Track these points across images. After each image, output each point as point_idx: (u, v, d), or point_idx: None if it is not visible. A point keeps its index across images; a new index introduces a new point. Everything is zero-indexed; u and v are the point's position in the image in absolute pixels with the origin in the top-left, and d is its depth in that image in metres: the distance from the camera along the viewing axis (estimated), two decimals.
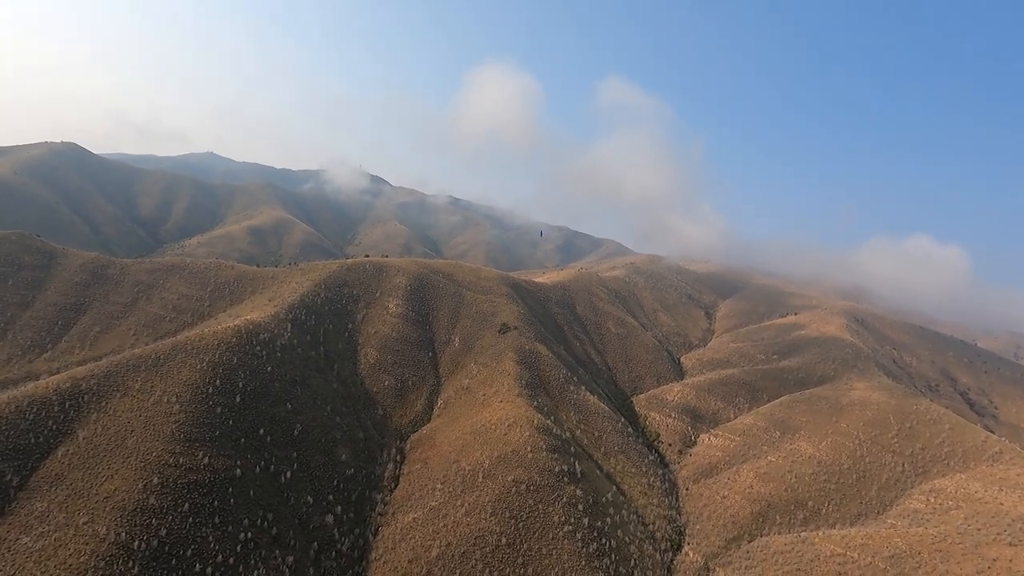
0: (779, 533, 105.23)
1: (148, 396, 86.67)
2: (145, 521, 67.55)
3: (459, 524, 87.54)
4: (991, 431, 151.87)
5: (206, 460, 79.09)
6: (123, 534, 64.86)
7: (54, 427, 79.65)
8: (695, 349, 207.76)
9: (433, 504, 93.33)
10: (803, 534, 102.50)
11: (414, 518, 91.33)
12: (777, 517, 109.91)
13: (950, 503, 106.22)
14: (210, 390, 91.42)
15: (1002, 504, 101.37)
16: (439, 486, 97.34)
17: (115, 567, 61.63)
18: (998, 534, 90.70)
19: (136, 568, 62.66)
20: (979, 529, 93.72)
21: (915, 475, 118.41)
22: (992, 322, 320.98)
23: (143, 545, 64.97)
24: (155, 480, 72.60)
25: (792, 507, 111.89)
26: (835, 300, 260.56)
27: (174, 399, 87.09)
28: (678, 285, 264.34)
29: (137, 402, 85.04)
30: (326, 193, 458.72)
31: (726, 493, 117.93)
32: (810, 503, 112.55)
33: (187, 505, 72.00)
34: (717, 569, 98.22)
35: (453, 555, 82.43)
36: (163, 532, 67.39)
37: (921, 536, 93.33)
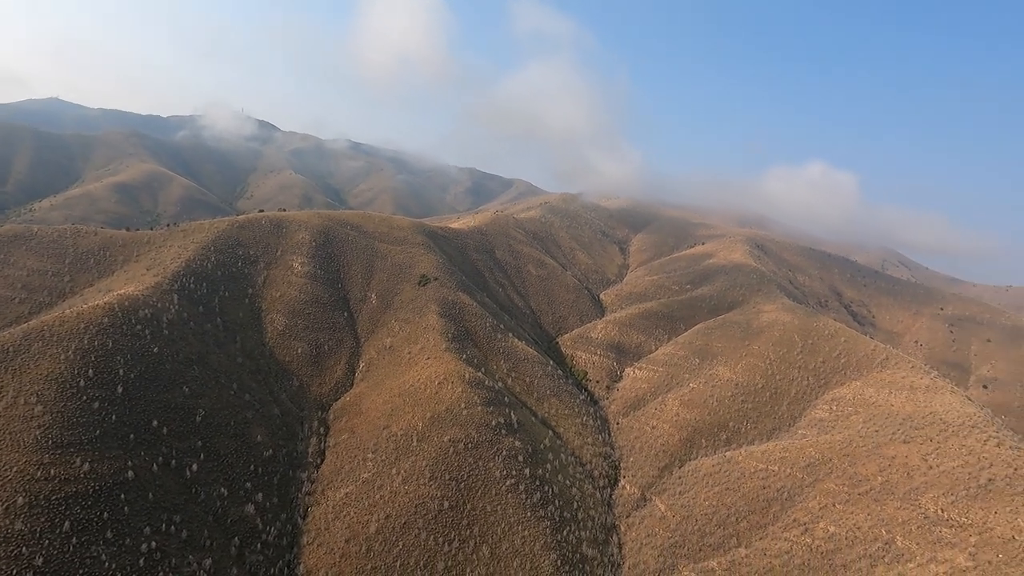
0: (706, 455, 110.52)
1: None
2: (12, 552, 55.75)
3: (397, 493, 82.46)
4: (872, 339, 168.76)
5: (86, 467, 66.81)
6: None
7: None
8: (613, 285, 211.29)
9: (366, 476, 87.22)
10: (728, 454, 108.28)
11: (346, 493, 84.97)
12: (703, 441, 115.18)
13: (850, 409, 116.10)
14: (82, 383, 76.98)
15: (892, 405, 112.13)
16: (370, 455, 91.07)
17: None
18: (892, 433, 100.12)
19: None
20: (877, 431, 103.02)
21: (818, 387, 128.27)
22: (872, 239, 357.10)
23: None
24: (20, 500, 59.97)
25: (715, 429, 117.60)
26: (737, 228, 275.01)
27: (34, 399, 72.27)
28: (592, 222, 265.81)
29: None
30: (205, 141, 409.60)
31: (655, 423, 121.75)
32: (731, 424, 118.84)
33: (67, 523, 60.52)
34: (653, 498, 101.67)
35: (393, 527, 77.65)
36: (39, 561, 56.15)
37: (830, 443, 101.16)
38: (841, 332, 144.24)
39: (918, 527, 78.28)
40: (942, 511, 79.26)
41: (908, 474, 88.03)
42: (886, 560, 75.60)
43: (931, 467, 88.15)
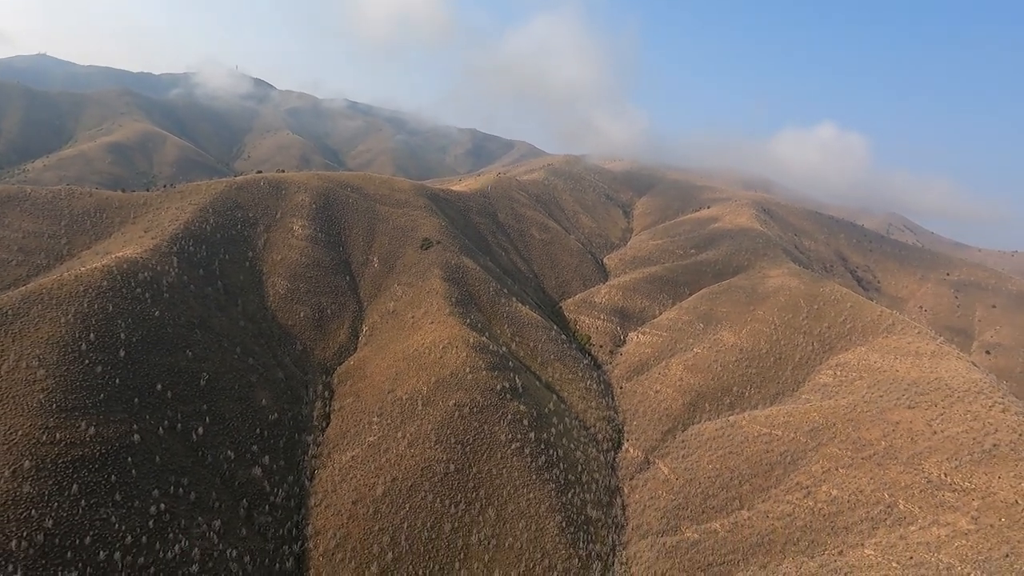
0: (709, 420, 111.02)
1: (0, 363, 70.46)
2: (21, 514, 55.92)
3: (403, 457, 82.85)
4: (878, 304, 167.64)
5: (92, 430, 66.62)
6: None
7: None
8: (617, 249, 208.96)
9: (371, 439, 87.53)
10: (731, 418, 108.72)
11: (352, 456, 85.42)
12: (706, 405, 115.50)
13: (854, 374, 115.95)
14: (83, 346, 76.15)
15: (897, 371, 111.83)
16: (376, 419, 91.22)
17: None
18: (897, 399, 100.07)
19: (19, 572, 52.07)
20: (881, 396, 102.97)
21: (823, 352, 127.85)
22: (878, 203, 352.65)
23: (23, 543, 53.98)
24: (26, 464, 59.89)
25: (719, 394, 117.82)
26: (743, 192, 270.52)
27: (36, 363, 71.55)
28: (596, 185, 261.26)
29: None
30: (199, 100, 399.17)
31: (658, 388, 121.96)
32: (735, 388, 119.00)
33: (75, 487, 60.63)
34: (657, 461, 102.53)
35: (400, 490, 78.24)
36: (48, 523, 56.41)
37: (834, 408, 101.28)
38: (847, 297, 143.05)
39: (921, 491, 78.81)
40: (945, 475, 79.68)
41: (912, 439, 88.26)
42: (888, 523, 76.39)
43: (935, 432, 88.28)
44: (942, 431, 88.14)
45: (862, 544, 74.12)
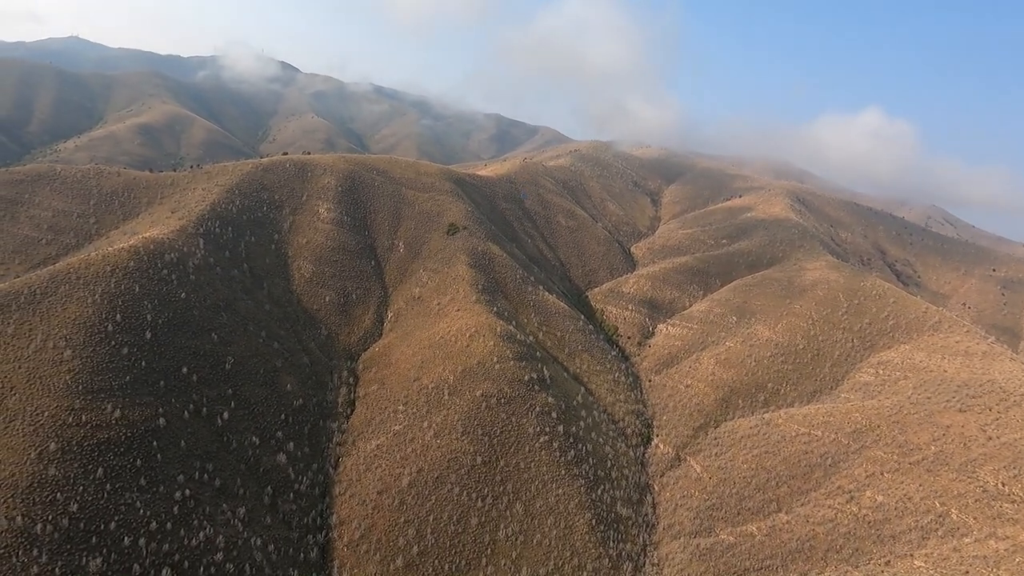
0: (743, 417, 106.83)
1: (27, 342, 69.85)
2: (47, 497, 55.15)
3: (429, 447, 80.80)
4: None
5: (117, 413, 65.67)
6: (18, 518, 52.50)
7: None
8: (644, 238, 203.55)
9: (397, 428, 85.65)
10: (766, 416, 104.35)
11: (377, 445, 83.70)
12: (740, 401, 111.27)
13: (898, 374, 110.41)
14: (110, 327, 75.30)
15: (946, 371, 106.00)
16: (401, 408, 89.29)
17: (13, 559, 49.98)
18: (947, 401, 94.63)
19: (44, 556, 51.30)
20: (929, 397, 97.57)
21: (863, 349, 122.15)
22: (917, 195, 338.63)
23: (48, 527, 53.17)
24: (52, 446, 59.11)
25: (753, 390, 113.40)
26: (777, 180, 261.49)
27: (63, 343, 70.84)
28: (624, 172, 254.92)
29: (13, 351, 68.30)
30: (226, 83, 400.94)
31: (689, 382, 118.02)
32: (769, 385, 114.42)
33: (100, 470, 59.74)
34: (688, 458, 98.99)
35: (426, 481, 76.27)
36: (74, 507, 55.55)
37: (877, 408, 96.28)
38: (890, 292, 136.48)
39: (976, 500, 74.16)
40: (1003, 485, 74.80)
41: (964, 444, 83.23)
42: (939, 533, 72.04)
43: (990, 438, 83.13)
44: (998, 437, 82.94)
45: (911, 555, 70.02)
